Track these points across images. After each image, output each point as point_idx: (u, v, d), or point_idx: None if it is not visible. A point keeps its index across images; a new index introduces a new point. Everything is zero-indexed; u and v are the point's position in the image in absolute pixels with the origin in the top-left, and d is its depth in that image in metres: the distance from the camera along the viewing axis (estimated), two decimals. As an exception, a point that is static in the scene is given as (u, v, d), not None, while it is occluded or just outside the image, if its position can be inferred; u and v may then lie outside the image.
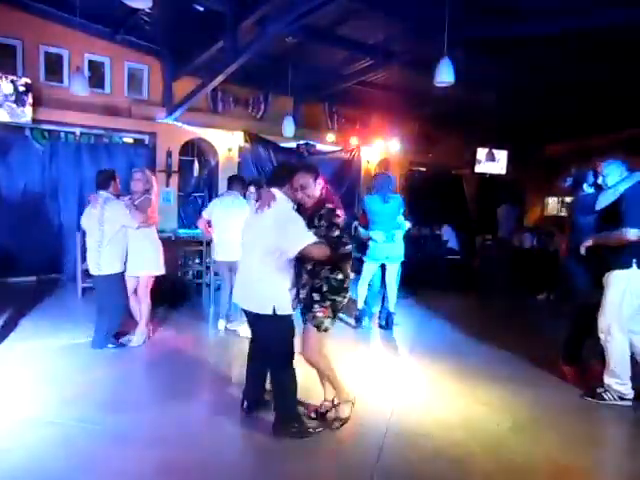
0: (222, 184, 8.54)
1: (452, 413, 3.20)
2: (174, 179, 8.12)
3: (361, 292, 5.26)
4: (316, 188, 2.75)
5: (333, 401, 3.02)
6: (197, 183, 8.59)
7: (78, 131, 7.30)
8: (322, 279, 2.70)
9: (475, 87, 7.40)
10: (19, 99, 6.54)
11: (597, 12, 5.02)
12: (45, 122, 6.95)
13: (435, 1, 4.89)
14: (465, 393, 3.52)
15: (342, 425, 2.91)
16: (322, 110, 9.71)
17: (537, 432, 2.97)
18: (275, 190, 2.76)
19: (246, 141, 8.68)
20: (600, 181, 3.46)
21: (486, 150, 10.68)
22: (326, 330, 2.76)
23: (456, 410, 3.25)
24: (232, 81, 7.35)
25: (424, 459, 2.65)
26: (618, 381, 3.29)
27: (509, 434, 2.94)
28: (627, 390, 3.29)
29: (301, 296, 2.78)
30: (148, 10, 6.10)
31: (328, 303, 2.70)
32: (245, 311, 2.85)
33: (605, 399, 3.32)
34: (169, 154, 7.96)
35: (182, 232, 7.86)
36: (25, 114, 6.59)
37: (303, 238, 2.53)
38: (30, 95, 6.59)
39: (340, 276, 2.72)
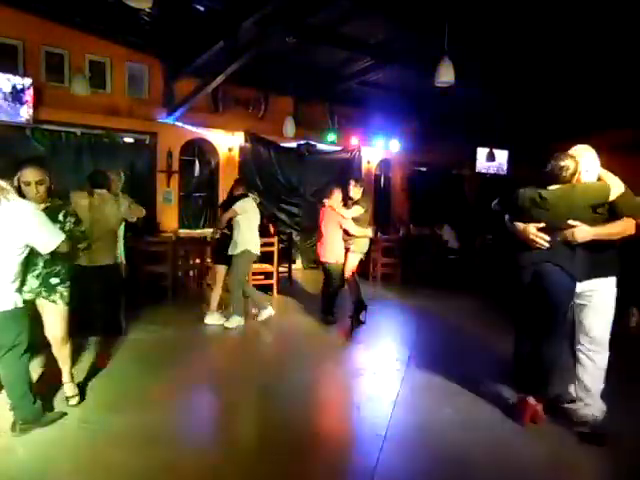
0: (223, 184, 8.56)
1: (453, 414, 3.20)
2: (175, 179, 8.12)
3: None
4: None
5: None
6: (198, 183, 8.60)
7: (79, 131, 7.30)
8: (59, 264, 2.95)
9: (475, 87, 7.40)
10: (20, 99, 6.55)
11: (597, 12, 5.03)
12: (46, 122, 6.95)
13: (435, 1, 4.90)
14: (465, 393, 3.53)
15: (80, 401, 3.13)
16: (322, 110, 9.71)
17: (537, 432, 2.97)
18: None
19: (247, 141, 8.69)
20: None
21: (486, 150, 10.68)
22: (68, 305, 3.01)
23: (457, 410, 3.25)
24: (232, 81, 7.35)
25: (424, 460, 2.65)
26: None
27: (510, 434, 2.94)
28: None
29: (32, 286, 2.85)
30: (148, 10, 6.11)
31: (68, 283, 2.99)
32: None
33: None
34: (170, 154, 7.96)
35: (183, 232, 7.89)
36: (26, 114, 6.60)
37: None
38: (31, 95, 6.60)
39: (72, 262, 3.13)
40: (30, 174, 2.77)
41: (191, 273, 7.30)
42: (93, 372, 3.69)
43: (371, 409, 3.24)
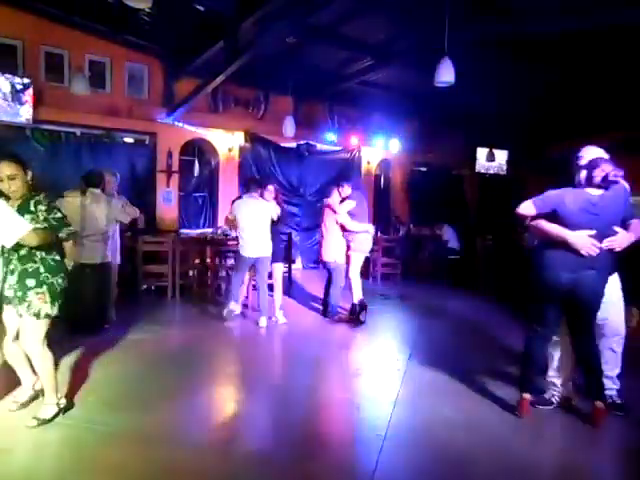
0: (223, 184, 8.57)
1: (453, 413, 3.19)
2: (175, 179, 8.13)
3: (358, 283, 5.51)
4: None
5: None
6: (198, 183, 8.60)
7: (78, 131, 7.30)
8: (38, 261, 2.67)
9: (475, 87, 7.40)
10: (20, 99, 6.55)
11: (597, 12, 5.02)
12: (46, 122, 6.95)
13: (435, 1, 4.90)
14: (466, 393, 3.52)
15: (40, 425, 2.75)
16: (322, 110, 9.72)
17: (537, 431, 2.97)
18: None
19: (246, 141, 8.70)
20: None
21: (486, 150, 10.68)
22: (47, 317, 2.69)
23: (458, 410, 3.24)
24: (232, 81, 7.35)
25: (424, 460, 2.65)
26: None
27: (511, 434, 2.94)
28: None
29: (11, 282, 2.65)
30: (148, 10, 6.11)
31: (45, 287, 2.67)
32: None
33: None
34: (169, 154, 7.97)
35: (183, 232, 7.89)
36: (26, 114, 6.60)
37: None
38: (31, 95, 6.60)
39: (57, 257, 2.76)
40: (1, 169, 2.61)
41: (191, 273, 7.30)
42: (92, 372, 3.69)
43: (371, 409, 3.24)
